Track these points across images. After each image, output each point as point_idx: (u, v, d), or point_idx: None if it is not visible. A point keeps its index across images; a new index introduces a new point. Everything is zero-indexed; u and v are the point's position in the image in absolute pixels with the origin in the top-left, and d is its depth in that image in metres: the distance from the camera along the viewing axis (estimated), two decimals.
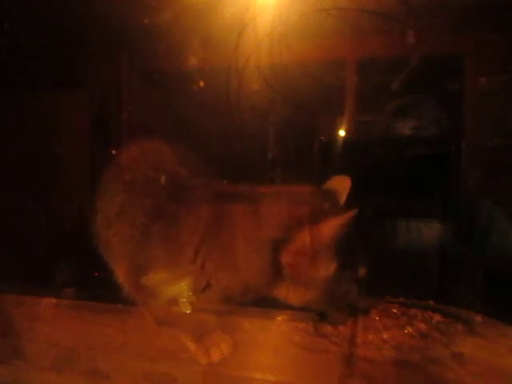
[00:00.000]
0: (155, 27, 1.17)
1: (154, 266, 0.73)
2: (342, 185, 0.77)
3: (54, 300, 0.97)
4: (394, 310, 0.82)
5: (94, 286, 1.06)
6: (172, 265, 0.72)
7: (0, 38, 1.26)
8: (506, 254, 1.11)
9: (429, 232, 1.19)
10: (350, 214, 0.66)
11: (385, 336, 0.74)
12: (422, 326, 0.77)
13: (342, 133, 1.25)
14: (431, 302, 0.87)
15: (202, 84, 1.21)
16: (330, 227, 0.65)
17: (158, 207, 0.74)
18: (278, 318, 0.83)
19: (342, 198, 0.76)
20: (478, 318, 0.81)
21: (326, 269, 0.68)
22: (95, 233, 0.84)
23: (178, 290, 0.73)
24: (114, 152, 1.42)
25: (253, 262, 0.69)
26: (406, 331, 0.76)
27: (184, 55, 1.23)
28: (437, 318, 0.80)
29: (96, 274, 1.11)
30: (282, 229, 0.67)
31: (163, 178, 0.78)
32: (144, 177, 0.79)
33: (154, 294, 0.75)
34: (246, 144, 1.31)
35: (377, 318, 0.79)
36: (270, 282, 0.69)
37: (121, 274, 0.81)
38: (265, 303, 0.80)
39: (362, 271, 0.72)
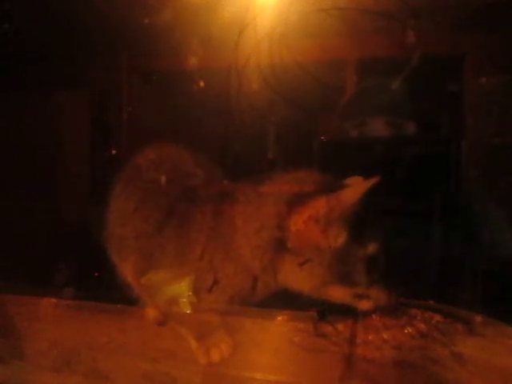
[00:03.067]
0: (155, 27, 1.17)
1: (163, 260, 0.75)
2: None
3: (53, 300, 0.97)
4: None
5: (94, 286, 1.07)
6: (180, 261, 0.74)
7: (0, 38, 1.26)
8: (506, 253, 1.11)
9: (429, 232, 1.19)
10: (368, 182, 0.65)
11: (385, 336, 0.74)
12: (422, 326, 0.77)
13: (341, 133, 1.25)
14: (431, 302, 0.87)
15: (202, 84, 1.21)
16: (345, 196, 0.65)
17: (172, 205, 0.77)
18: (278, 318, 0.83)
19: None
20: (478, 318, 0.81)
21: (334, 241, 0.67)
22: (107, 232, 0.87)
23: (183, 286, 0.73)
24: (114, 152, 1.43)
25: (255, 246, 0.69)
26: (406, 331, 0.76)
27: (184, 55, 1.22)
28: (437, 318, 0.80)
29: (96, 274, 1.11)
30: (286, 204, 0.67)
31: (178, 178, 0.82)
32: (161, 176, 0.82)
33: (160, 291, 0.76)
34: (246, 144, 1.31)
35: (377, 318, 0.79)
36: (274, 264, 0.69)
37: (129, 271, 0.82)
38: (265, 303, 0.80)
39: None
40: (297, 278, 0.70)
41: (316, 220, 0.66)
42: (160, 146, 0.92)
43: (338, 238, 0.67)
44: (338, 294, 0.70)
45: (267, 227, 0.69)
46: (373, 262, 0.69)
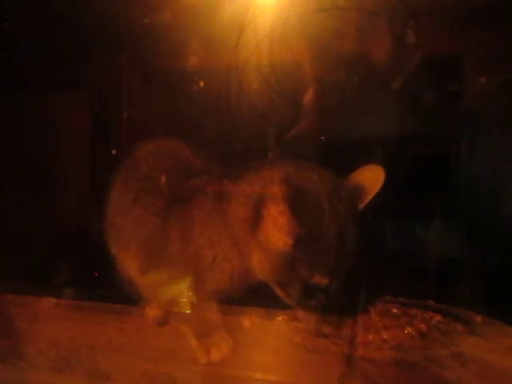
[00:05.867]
0: (155, 27, 1.17)
1: (167, 244, 0.77)
2: (372, 176, 0.72)
3: (53, 300, 0.97)
4: (394, 310, 0.82)
5: (94, 285, 1.07)
6: (184, 241, 0.75)
7: (0, 38, 1.26)
8: (505, 253, 1.11)
9: (429, 232, 1.19)
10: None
11: (385, 336, 0.74)
12: (422, 326, 0.77)
13: (342, 133, 1.25)
14: (431, 302, 0.87)
15: (202, 84, 1.21)
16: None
17: (174, 192, 0.79)
18: (279, 318, 0.83)
19: (370, 191, 0.71)
20: (478, 318, 0.81)
21: (274, 242, 0.66)
22: (107, 223, 0.87)
23: (184, 286, 0.74)
24: (114, 152, 1.43)
25: (238, 228, 0.71)
26: (406, 331, 0.76)
27: (184, 55, 1.23)
28: (437, 317, 0.80)
29: (96, 274, 1.11)
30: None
31: (177, 168, 0.84)
32: (161, 167, 0.85)
33: (162, 286, 0.78)
34: (246, 144, 1.31)
35: (377, 318, 0.79)
36: (249, 247, 0.70)
37: (130, 262, 0.84)
38: (265, 303, 0.80)
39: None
40: (259, 264, 0.71)
41: (269, 218, 0.66)
42: (158, 139, 0.94)
43: (278, 240, 0.66)
44: (283, 295, 0.69)
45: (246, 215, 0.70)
46: (313, 287, 0.66)
